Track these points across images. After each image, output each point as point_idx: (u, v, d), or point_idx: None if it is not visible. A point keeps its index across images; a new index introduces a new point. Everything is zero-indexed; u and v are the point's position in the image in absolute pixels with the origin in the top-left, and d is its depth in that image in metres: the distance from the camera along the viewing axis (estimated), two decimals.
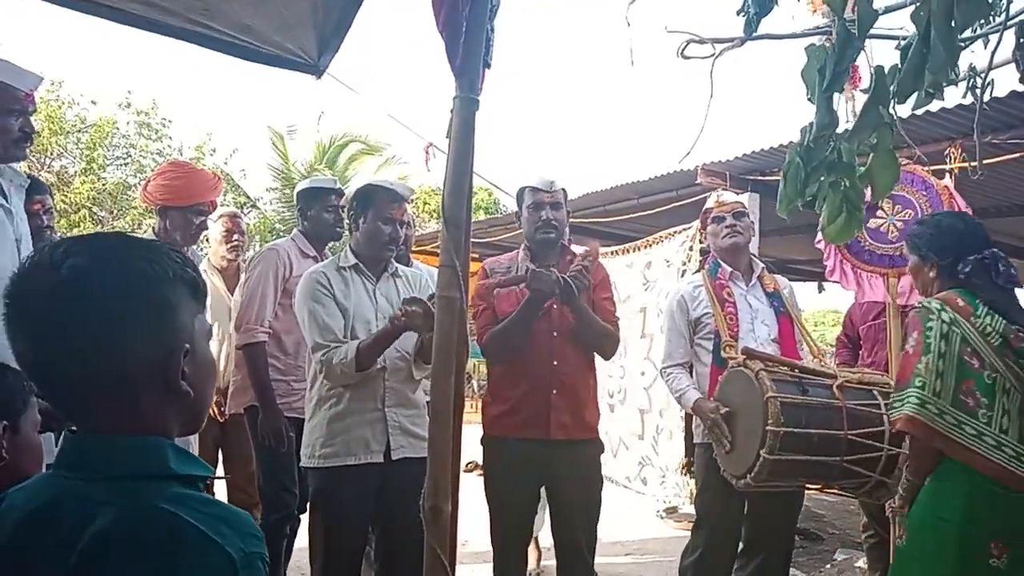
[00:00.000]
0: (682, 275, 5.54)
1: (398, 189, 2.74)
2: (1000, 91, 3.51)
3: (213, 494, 4.01)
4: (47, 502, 0.86)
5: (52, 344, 0.85)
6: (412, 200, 2.83)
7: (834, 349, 4.40)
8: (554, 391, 2.76)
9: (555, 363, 2.78)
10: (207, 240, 4.18)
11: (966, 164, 3.97)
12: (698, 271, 3.44)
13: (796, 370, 2.69)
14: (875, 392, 2.65)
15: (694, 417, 3.05)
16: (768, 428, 2.43)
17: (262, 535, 0.90)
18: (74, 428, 0.91)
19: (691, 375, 3.09)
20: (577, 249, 3.01)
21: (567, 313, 2.78)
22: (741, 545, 3.01)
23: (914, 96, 1.51)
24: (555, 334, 2.79)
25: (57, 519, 0.84)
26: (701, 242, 5.11)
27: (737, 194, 3.61)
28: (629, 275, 6.38)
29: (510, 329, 2.76)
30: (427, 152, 6.60)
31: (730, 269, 3.11)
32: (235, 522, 0.86)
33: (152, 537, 0.81)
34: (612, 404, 6.56)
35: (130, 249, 0.90)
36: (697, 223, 5.00)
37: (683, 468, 4.04)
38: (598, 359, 2.96)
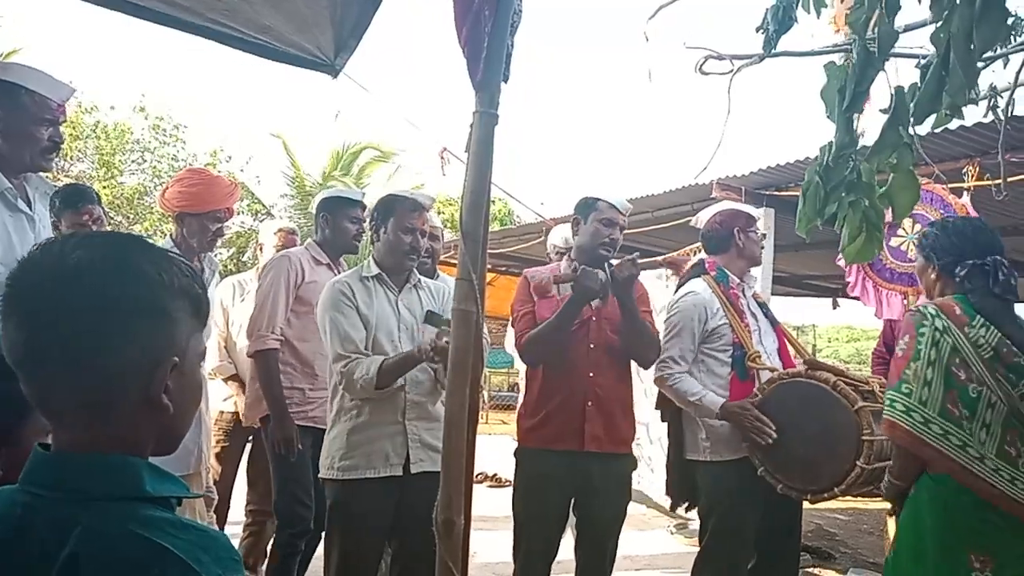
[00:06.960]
0: None
1: (418, 198, 2.74)
2: (1020, 110, 3.49)
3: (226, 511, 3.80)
4: (15, 522, 0.81)
5: (43, 332, 0.83)
6: (431, 208, 2.83)
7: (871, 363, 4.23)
8: (589, 403, 2.76)
9: (591, 375, 2.78)
10: (260, 250, 4.20)
11: (984, 182, 3.94)
12: (690, 277, 3.21)
13: (843, 378, 2.70)
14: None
15: (698, 433, 2.90)
16: (863, 438, 2.52)
17: (239, 557, 0.88)
18: (46, 444, 0.87)
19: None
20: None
21: (605, 327, 2.80)
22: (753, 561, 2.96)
23: (933, 116, 1.51)
24: (592, 346, 2.80)
25: (26, 540, 0.80)
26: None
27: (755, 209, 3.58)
28: (661, 286, 6.33)
29: (550, 331, 2.76)
30: (442, 157, 6.60)
31: (737, 279, 3.06)
32: (212, 547, 0.83)
33: (125, 563, 0.78)
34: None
35: (141, 251, 0.88)
36: None
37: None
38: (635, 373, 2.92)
